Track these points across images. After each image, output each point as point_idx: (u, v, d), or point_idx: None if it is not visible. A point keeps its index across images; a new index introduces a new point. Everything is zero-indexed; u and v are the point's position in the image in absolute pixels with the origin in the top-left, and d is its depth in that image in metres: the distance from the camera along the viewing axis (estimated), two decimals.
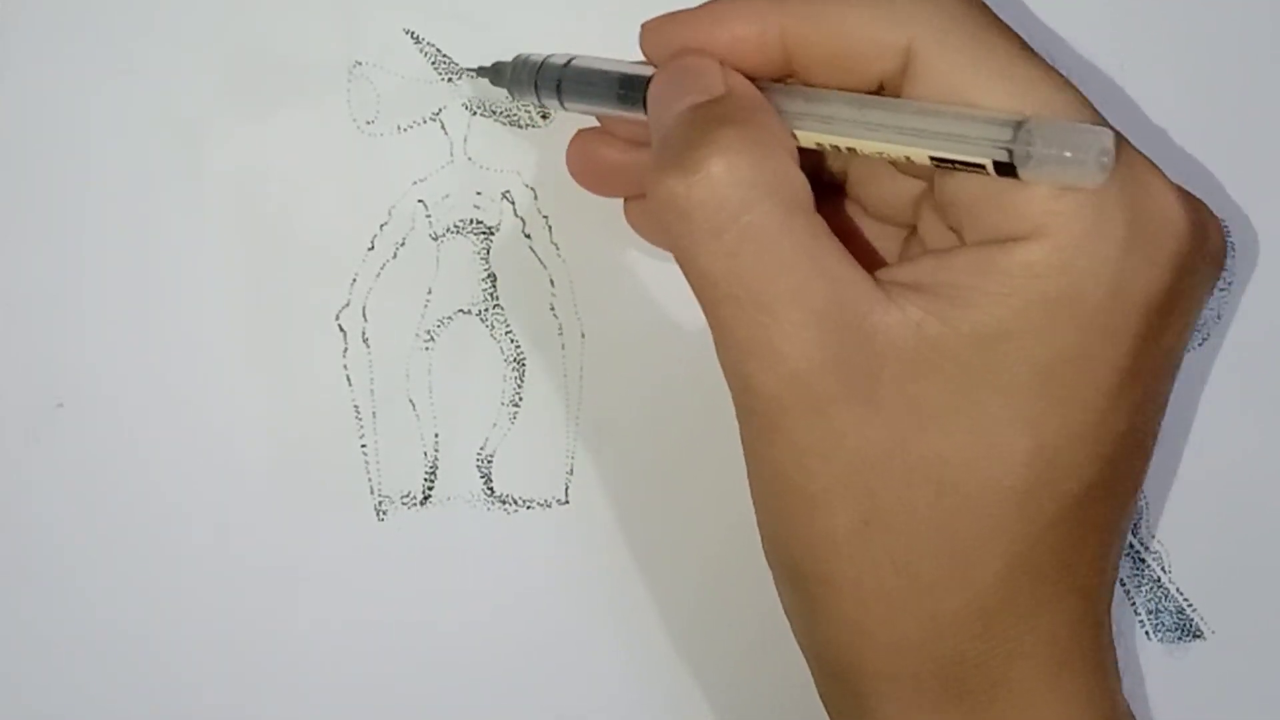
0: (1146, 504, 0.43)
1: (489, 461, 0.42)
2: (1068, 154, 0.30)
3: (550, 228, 0.41)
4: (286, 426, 0.41)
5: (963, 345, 0.32)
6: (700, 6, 0.34)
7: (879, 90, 0.33)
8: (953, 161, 0.32)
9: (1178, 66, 0.42)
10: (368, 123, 0.41)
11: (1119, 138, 0.32)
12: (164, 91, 0.40)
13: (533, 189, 0.41)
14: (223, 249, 0.40)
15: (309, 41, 0.40)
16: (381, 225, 0.41)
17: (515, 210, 0.41)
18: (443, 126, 0.41)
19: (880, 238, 0.37)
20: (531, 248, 0.41)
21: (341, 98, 0.40)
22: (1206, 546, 0.43)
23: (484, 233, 0.41)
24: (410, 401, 0.41)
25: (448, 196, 0.41)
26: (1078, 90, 0.32)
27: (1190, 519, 0.43)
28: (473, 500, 0.42)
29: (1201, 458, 0.43)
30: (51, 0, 0.40)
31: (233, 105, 0.40)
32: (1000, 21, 0.33)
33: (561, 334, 0.41)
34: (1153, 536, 0.43)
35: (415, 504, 0.41)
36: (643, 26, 0.35)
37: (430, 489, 0.41)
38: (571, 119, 0.39)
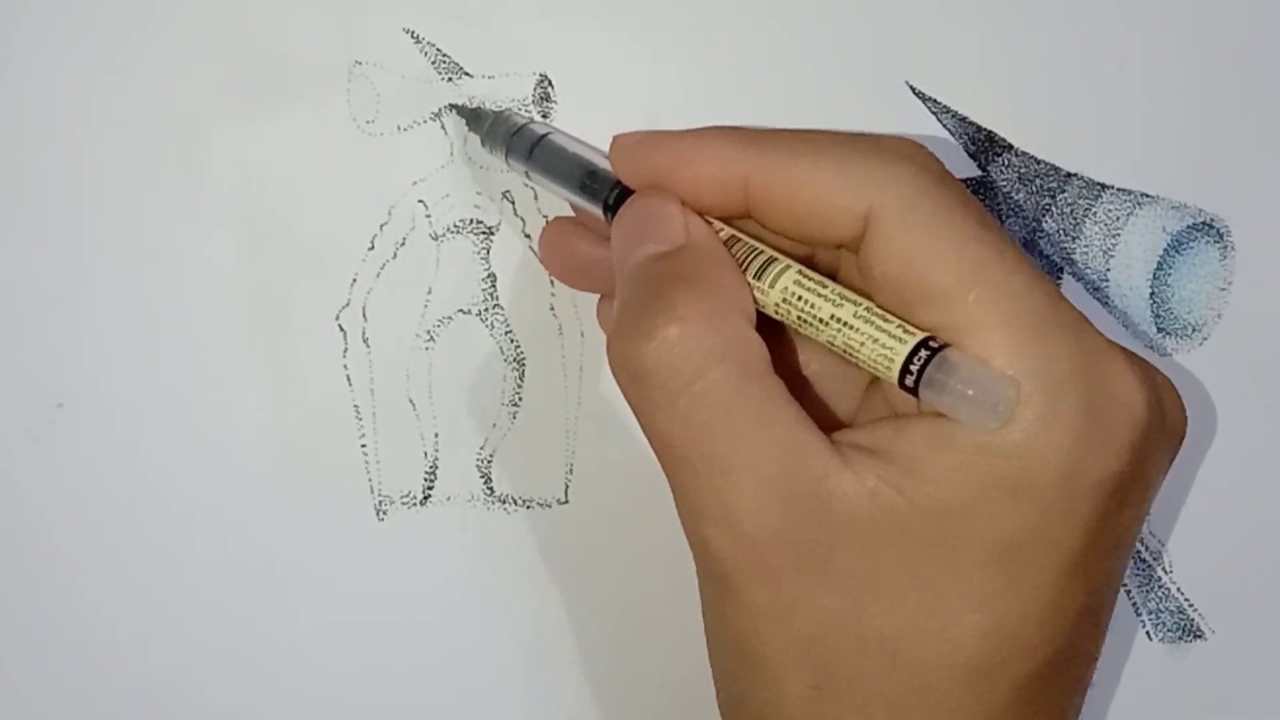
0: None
1: (489, 461, 0.42)
2: (970, 392, 0.30)
3: None
4: (286, 426, 0.41)
5: (917, 518, 0.31)
6: (672, 136, 0.35)
7: (836, 247, 0.34)
8: (864, 365, 0.32)
9: (1177, 66, 0.42)
10: (368, 122, 0.41)
11: (1079, 318, 0.32)
12: (163, 91, 0.40)
13: (533, 189, 0.41)
14: (222, 249, 0.40)
15: (309, 41, 0.40)
16: (381, 225, 0.41)
17: (515, 210, 0.41)
18: (443, 126, 0.41)
19: (846, 380, 0.37)
20: (531, 248, 0.41)
21: (341, 98, 0.40)
22: (1207, 546, 0.43)
23: (484, 233, 0.41)
24: (410, 401, 0.41)
25: (448, 196, 0.41)
26: (1034, 269, 0.32)
27: (1191, 519, 0.43)
28: (473, 500, 0.42)
29: (1201, 458, 0.43)
30: (51, 0, 0.40)
31: (232, 105, 0.40)
32: (962, 192, 0.33)
33: (561, 334, 0.41)
34: (1154, 537, 0.43)
35: (415, 504, 0.41)
36: (614, 142, 0.36)
37: (430, 489, 0.41)
38: (571, 131, 0.39)
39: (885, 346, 0.32)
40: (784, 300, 0.33)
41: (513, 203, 0.41)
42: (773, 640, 0.32)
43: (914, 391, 0.31)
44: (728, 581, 0.32)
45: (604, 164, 0.36)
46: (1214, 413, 0.43)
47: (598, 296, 0.40)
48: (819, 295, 0.33)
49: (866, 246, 0.32)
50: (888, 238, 0.32)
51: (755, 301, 0.34)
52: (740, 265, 0.34)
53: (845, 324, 0.32)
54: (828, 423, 0.33)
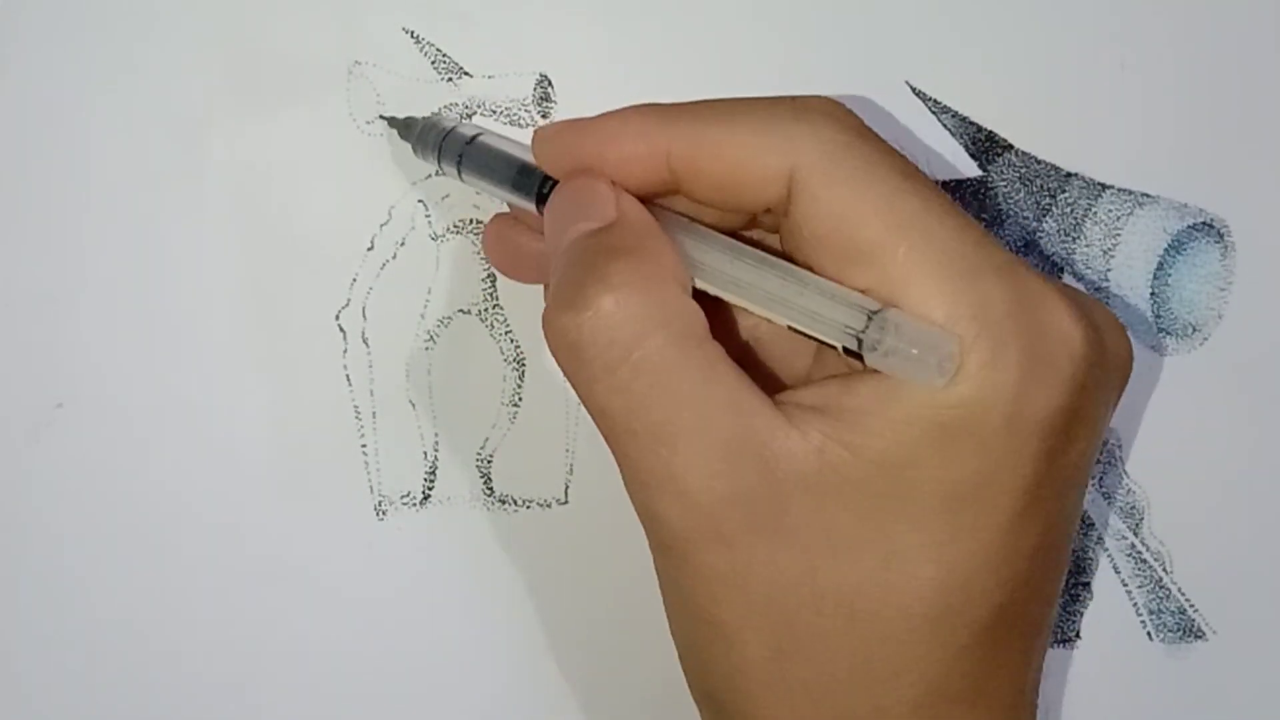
0: (1148, 504, 0.43)
1: (489, 461, 0.42)
2: (914, 352, 0.31)
3: None
4: (286, 426, 0.41)
5: (866, 472, 0.31)
6: (591, 120, 0.35)
7: (766, 213, 0.34)
8: (806, 334, 0.32)
9: (1177, 66, 0.42)
10: (367, 123, 0.41)
11: (1012, 259, 0.32)
12: (164, 91, 0.40)
13: None
14: (223, 249, 0.40)
15: (309, 41, 0.40)
16: (381, 225, 0.41)
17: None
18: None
19: (796, 341, 0.37)
20: None
21: (341, 97, 0.40)
22: (1207, 547, 0.43)
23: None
24: (410, 401, 0.41)
25: (448, 197, 0.41)
26: (961, 215, 0.32)
27: (1191, 519, 0.43)
28: (473, 500, 0.42)
29: (1202, 458, 0.43)
30: (51, 0, 0.40)
31: (233, 105, 0.40)
32: (884, 146, 0.33)
33: None
34: (1155, 537, 0.43)
35: (415, 504, 0.41)
36: (535, 134, 0.35)
37: (430, 489, 0.41)
38: None
39: (823, 315, 0.32)
40: (718, 277, 0.33)
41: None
42: (730, 605, 0.32)
43: (857, 356, 0.31)
44: (681, 550, 0.32)
45: (533, 161, 0.36)
46: (1214, 412, 0.43)
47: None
48: (752, 267, 0.33)
49: (793, 208, 0.32)
50: (812, 197, 0.32)
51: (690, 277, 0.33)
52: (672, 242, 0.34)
53: (779, 298, 0.32)
54: (778, 387, 0.33)
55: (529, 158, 0.36)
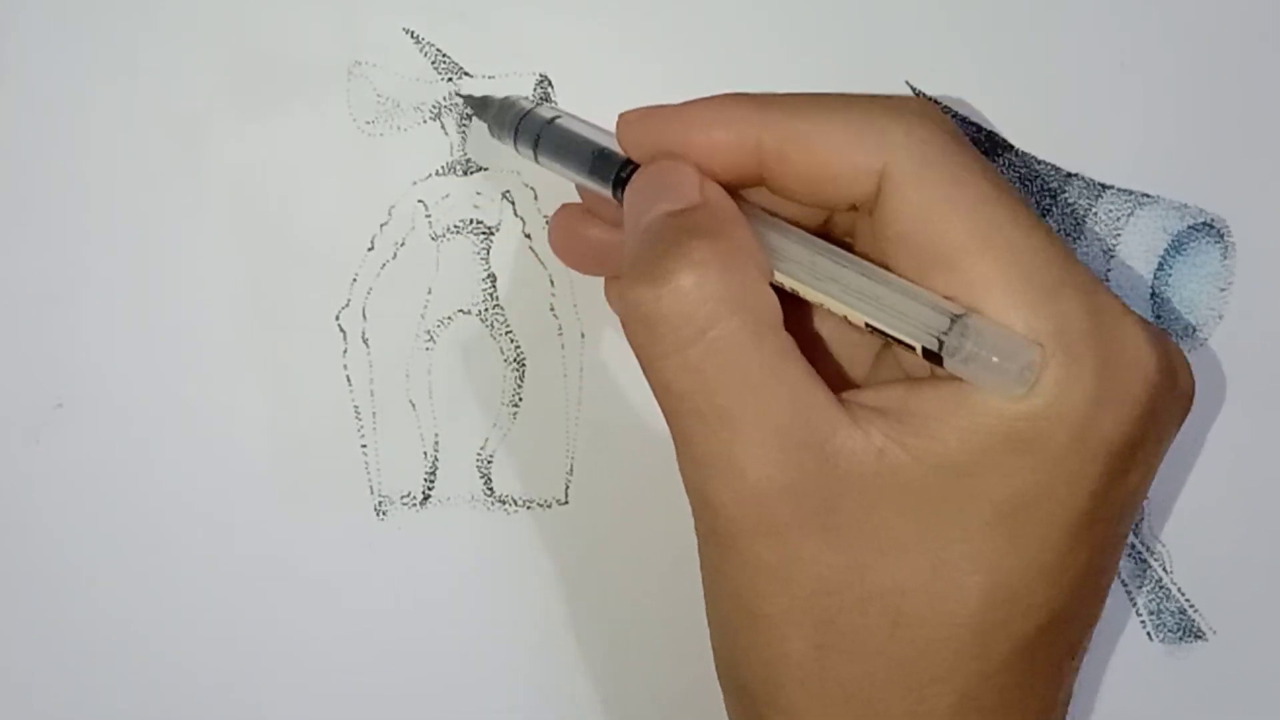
0: (1148, 504, 0.43)
1: (489, 462, 0.42)
2: (995, 359, 0.30)
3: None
4: (286, 426, 0.41)
5: (925, 477, 0.31)
6: (680, 106, 0.34)
7: (852, 209, 0.33)
8: (886, 334, 0.32)
9: (1177, 66, 0.42)
10: (368, 123, 0.41)
11: (1093, 279, 0.32)
12: (164, 91, 0.40)
13: (533, 189, 0.41)
14: (223, 249, 0.40)
15: (309, 41, 0.40)
16: (381, 225, 0.41)
17: (515, 210, 0.41)
18: (443, 126, 0.41)
19: (856, 345, 0.37)
20: (531, 248, 0.41)
21: (341, 98, 0.40)
22: (1207, 546, 0.43)
23: (484, 233, 0.41)
24: (410, 401, 0.41)
25: (448, 196, 0.41)
26: (1047, 230, 0.32)
27: (1191, 519, 0.43)
28: (473, 500, 0.42)
29: (1202, 457, 0.43)
30: (51, 0, 0.40)
31: (233, 105, 0.40)
32: (974, 151, 0.33)
33: (561, 334, 0.41)
34: (1155, 537, 0.43)
35: (415, 504, 0.41)
36: (620, 118, 0.35)
37: (430, 489, 0.41)
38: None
39: (907, 315, 0.31)
40: (799, 269, 0.33)
41: (513, 203, 0.41)
42: (775, 598, 0.32)
43: (937, 360, 0.31)
44: (730, 537, 0.32)
45: (614, 145, 0.36)
46: (1214, 413, 0.43)
47: (597, 297, 0.40)
48: (835, 263, 0.33)
49: (881, 206, 0.32)
50: (902, 196, 0.32)
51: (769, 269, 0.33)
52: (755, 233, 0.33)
53: (862, 294, 0.32)
54: (839, 385, 0.33)
55: (608, 143, 0.36)
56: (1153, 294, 0.43)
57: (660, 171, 0.34)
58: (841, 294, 0.32)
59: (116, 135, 0.40)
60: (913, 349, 0.32)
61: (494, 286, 0.41)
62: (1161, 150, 0.42)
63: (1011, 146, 0.42)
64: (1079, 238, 0.42)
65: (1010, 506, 0.31)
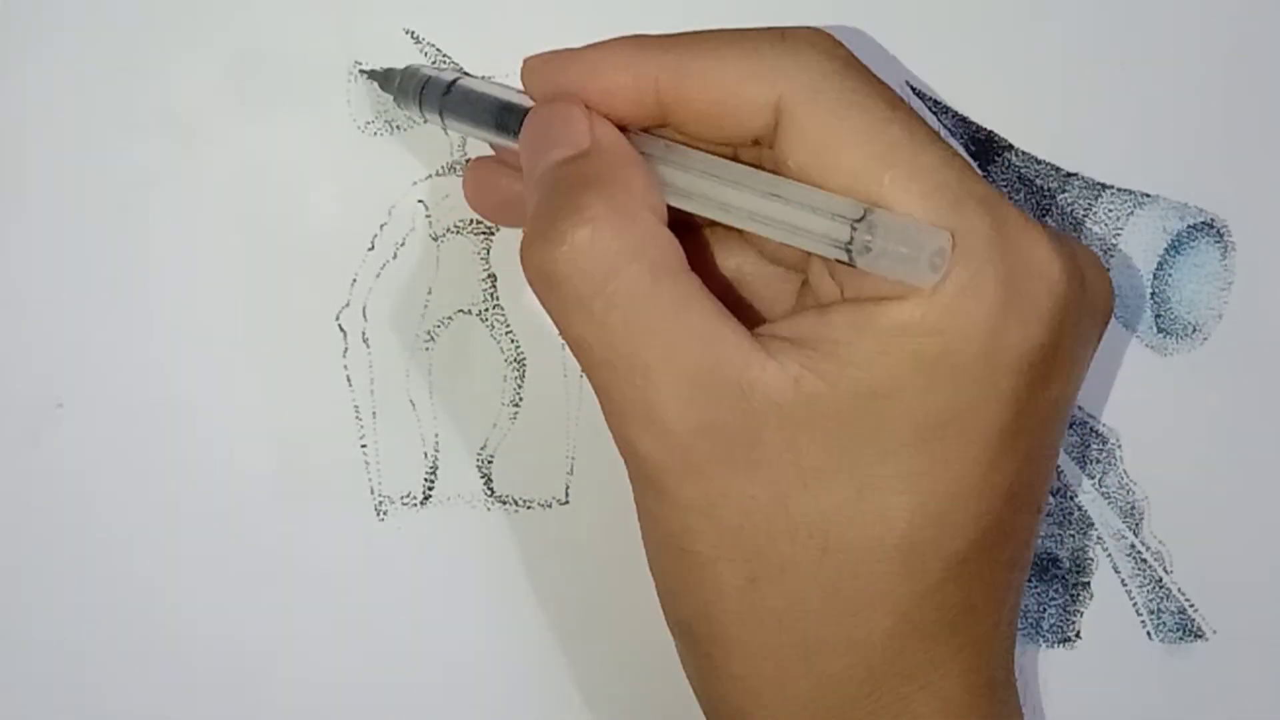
0: (1148, 504, 0.43)
1: (489, 461, 0.42)
2: (904, 250, 0.30)
3: None
4: (286, 426, 0.41)
5: (842, 402, 0.31)
6: (579, 50, 0.35)
7: (754, 144, 0.33)
8: (798, 247, 0.32)
9: (1177, 66, 0.42)
10: (367, 123, 0.41)
11: (994, 192, 0.32)
12: (163, 91, 0.40)
13: None
14: (222, 249, 0.40)
15: (309, 41, 0.40)
16: (381, 225, 0.41)
17: None
18: (444, 129, 0.41)
19: (783, 281, 0.37)
20: None
21: (341, 98, 0.40)
22: (1207, 546, 0.43)
23: (484, 233, 0.41)
24: (410, 401, 0.41)
25: (448, 196, 0.41)
26: (945, 146, 0.32)
27: (1191, 519, 0.43)
28: (473, 500, 0.42)
29: (1202, 457, 0.43)
30: (51, 0, 0.40)
31: (232, 105, 0.40)
32: (870, 76, 0.33)
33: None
34: (1155, 537, 0.43)
35: (415, 504, 0.41)
36: (524, 63, 0.35)
37: (430, 489, 0.41)
38: None
39: (812, 223, 0.31)
40: (699, 197, 0.33)
41: None
42: (704, 535, 0.32)
43: (848, 261, 0.31)
44: (656, 480, 0.33)
45: (517, 100, 0.36)
46: (1214, 412, 0.43)
47: None
48: (734, 185, 0.32)
49: (779, 137, 0.32)
50: (799, 126, 0.32)
51: (669, 195, 0.33)
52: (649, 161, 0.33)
53: (764, 213, 0.32)
54: (758, 323, 0.33)
55: (511, 97, 0.36)
56: (1153, 294, 0.43)
57: (550, 115, 0.34)
58: (746, 218, 0.32)
59: (116, 135, 0.40)
60: (822, 254, 0.31)
61: (494, 286, 0.41)
62: (1161, 150, 0.42)
63: (1011, 146, 0.42)
64: (1079, 237, 0.42)
65: (928, 425, 0.32)
